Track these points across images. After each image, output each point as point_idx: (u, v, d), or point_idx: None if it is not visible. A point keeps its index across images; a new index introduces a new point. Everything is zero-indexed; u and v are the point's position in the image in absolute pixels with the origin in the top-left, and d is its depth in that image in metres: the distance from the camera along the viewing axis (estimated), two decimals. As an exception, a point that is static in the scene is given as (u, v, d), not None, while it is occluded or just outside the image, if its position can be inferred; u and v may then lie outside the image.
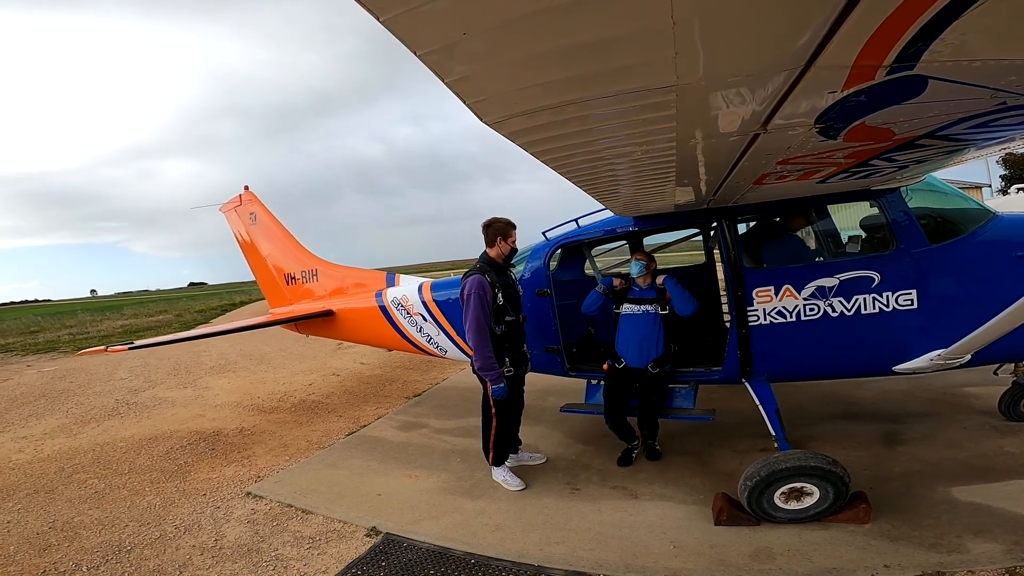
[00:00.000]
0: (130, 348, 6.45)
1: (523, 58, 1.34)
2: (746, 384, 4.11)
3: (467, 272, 4.38)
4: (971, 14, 1.19)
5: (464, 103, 1.54)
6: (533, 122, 1.75)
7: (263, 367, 10.97)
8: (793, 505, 3.40)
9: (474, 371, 4.38)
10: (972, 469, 3.88)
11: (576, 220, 5.00)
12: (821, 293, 3.87)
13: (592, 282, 5.51)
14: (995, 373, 4.81)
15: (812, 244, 4.70)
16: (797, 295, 3.92)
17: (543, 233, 5.15)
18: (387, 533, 3.82)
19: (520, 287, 4.58)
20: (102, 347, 6.54)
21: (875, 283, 3.78)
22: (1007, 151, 4.34)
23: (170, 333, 16.32)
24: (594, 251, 5.71)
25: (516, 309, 4.39)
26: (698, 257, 6.39)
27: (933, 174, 4.06)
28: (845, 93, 1.66)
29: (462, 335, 5.21)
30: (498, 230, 4.34)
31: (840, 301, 3.85)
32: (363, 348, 9.69)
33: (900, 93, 1.72)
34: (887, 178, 3.47)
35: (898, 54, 1.39)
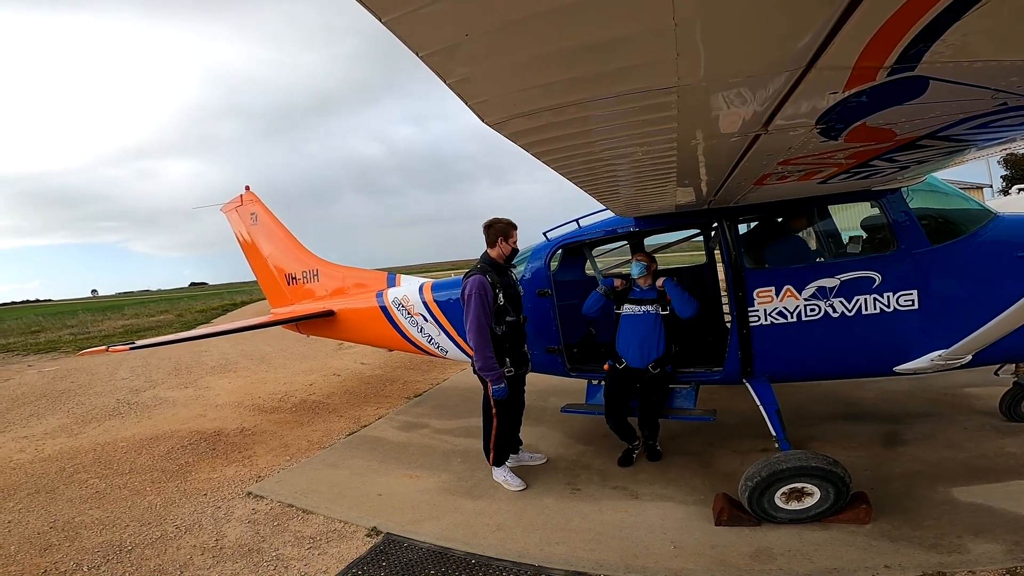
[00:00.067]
0: (131, 348, 6.46)
1: (524, 59, 1.34)
2: (747, 384, 4.11)
3: (468, 272, 4.38)
4: (972, 15, 1.19)
5: (466, 104, 1.54)
6: (534, 123, 1.76)
7: (264, 367, 10.98)
8: (794, 505, 3.40)
9: (475, 371, 4.38)
10: (973, 469, 3.88)
11: (577, 220, 5.00)
12: (822, 293, 3.87)
13: (593, 282, 5.52)
14: (996, 374, 4.81)
15: (813, 244, 4.70)
16: (798, 295, 3.91)
17: (544, 233, 5.15)
18: (388, 533, 3.82)
19: (521, 287, 4.58)
20: (103, 347, 6.55)
21: (876, 283, 3.78)
22: (1008, 151, 4.34)
23: (171, 333, 16.34)
24: (595, 251, 5.72)
25: (517, 309, 4.39)
26: (699, 257, 6.39)
27: (934, 174, 4.06)
28: (846, 94, 1.66)
29: (463, 335, 5.21)
30: (499, 231, 4.35)
31: (841, 301, 3.85)
32: (364, 348, 9.70)
33: (901, 94, 1.72)
34: (888, 178, 3.47)
35: (899, 55, 1.39)
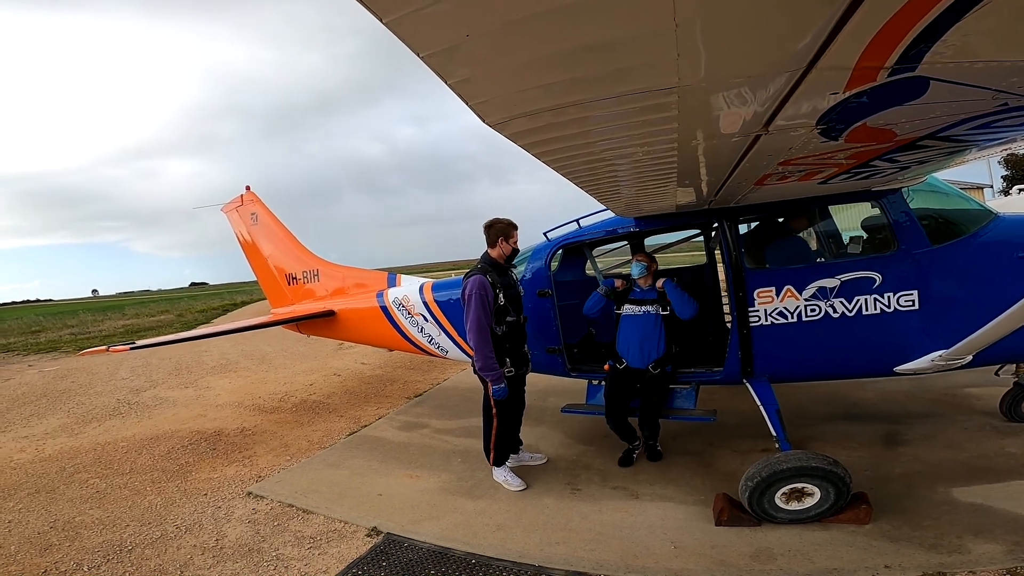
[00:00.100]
0: (132, 348, 6.46)
1: (525, 60, 1.35)
2: (747, 385, 4.11)
3: (468, 272, 4.38)
4: (974, 15, 1.19)
5: (466, 104, 1.54)
6: (535, 123, 1.76)
7: (264, 367, 10.98)
8: (794, 506, 3.40)
9: (475, 371, 4.38)
10: (973, 470, 3.88)
11: (577, 221, 5.00)
12: (822, 294, 3.87)
13: (593, 283, 5.52)
14: (996, 374, 4.82)
15: (813, 245, 4.70)
16: (798, 296, 3.91)
17: (544, 234, 5.15)
18: (388, 533, 3.83)
19: (521, 287, 4.58)
20: (104, 347, 6.55)
21: (876, 284, 3.78)
22: (1008, 152, 4.34)
23: (171, 333, 16.34)
24: (595, 251, 5.72)
25: (517, 309, 4.39)
26: (699, 258, 6.39)
27: (935, 175, 4.06)
28: (847, 94, 1.66)
29: (463, 335, 5.21)
30: (499, 231, 4.35)
31: (841, 302, 3.85)
32: (364, 348, 9.70)
33: (902, 94, 1.72)
34: (889, 179, 3.47)
35: (900, 55, 1.39)
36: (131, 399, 8.94)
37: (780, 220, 4.57)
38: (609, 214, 4.57)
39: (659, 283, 4.42)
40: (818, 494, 3.36)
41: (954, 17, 1.20)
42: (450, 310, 5.54)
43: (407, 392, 7.85)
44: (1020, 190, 21.70)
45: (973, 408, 4.99)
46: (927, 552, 3.03)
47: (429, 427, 6.16)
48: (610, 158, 2.35)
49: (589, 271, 5.76)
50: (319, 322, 6.86)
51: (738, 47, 1.35)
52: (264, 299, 8.76)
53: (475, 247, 4.67)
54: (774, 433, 3.70)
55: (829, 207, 4.37)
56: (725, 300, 4.82)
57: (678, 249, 7.05)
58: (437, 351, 5.83)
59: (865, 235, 4.35)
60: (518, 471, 4.53)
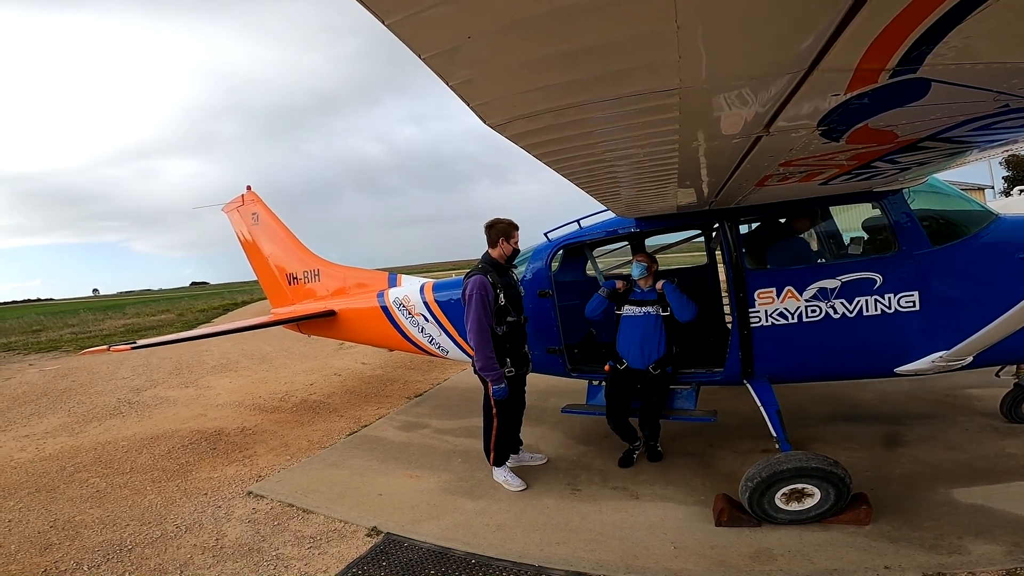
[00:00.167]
0: (133, 348, 6.46)
1: (527, 62, 1.35)
2: (747, 385, 4.11)
3: (469, 272, 4.39)
4: (975, 17, 1.19)
5: (468, 106, 1.54)
6: (536, 125, 1.76)
7: (265, 367, 10.99)
8: (794, 506, 3.40)
9: (475, 371, 4.38)
10: (973, 471, 3.88)
11: (578, 221, 5.00)
12: (823, 295, 3.87)
13: (594, 283, 5.51)
14: (997, 375, 4.82)
15: (814, 245, 4.70)
16: (799, 296, 3.91)
17: (545, 234, 5.15)
18: (388, 533, 3.83)
19: (522, 288, 4.59)
20: (105, 347, 6.56)
21: (877, 285, 3.78)
22: (1010, 153, 4.34)
23: (172, 332, 16.33)
24: (596, 252, 5.71)
25: (518, 310, 4.39)
26: (700, 258, 6.39)
27: (936, 176, 4.05)
28: (848, 96, 1.66)
29: (463, 335, 5.21)
30: (500, 231, 4.35)
31: (842, 303, 3.85)
32: (364, 348, 9.70)
33: (903, 96, 1.72)
34: (890, 180, 3.47)
35: (902, 57, 1.39)
36: (132, 398, 8.95)
37: (781, 221, 4.57)
38: (610, 214, 4.57)
39: (658, 285, 4.42)
40: (818, 495, 3.36)
41: (956, 19, 1.20)
42: (451, 310, 5.54)
43: (407, 392, 7.85)
44: (1021, 191, 21.67)
45: (973, 409, 4.99)
46: (927, 553, 3.03)
47: (429, 427, 6.16)
48: (611, 159, 2.35)
49: (590, 271, 5.76)
50: (320, 322, 6.86)
51: (739, 49, 1.35)
52: (265, 299, 8.77)
53: (475, 247, 4.66)
54: (774, 434, 3.70)
55: (830, 208, 4.37)
56: (726, 301, 4.81)
57: (679, 250, 7.05)
58: (437, 351, 5.83)
59: (866, 236, 4.35)
60: (518, 471, 4.53)
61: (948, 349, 3.60)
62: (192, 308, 35.33)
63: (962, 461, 4.04)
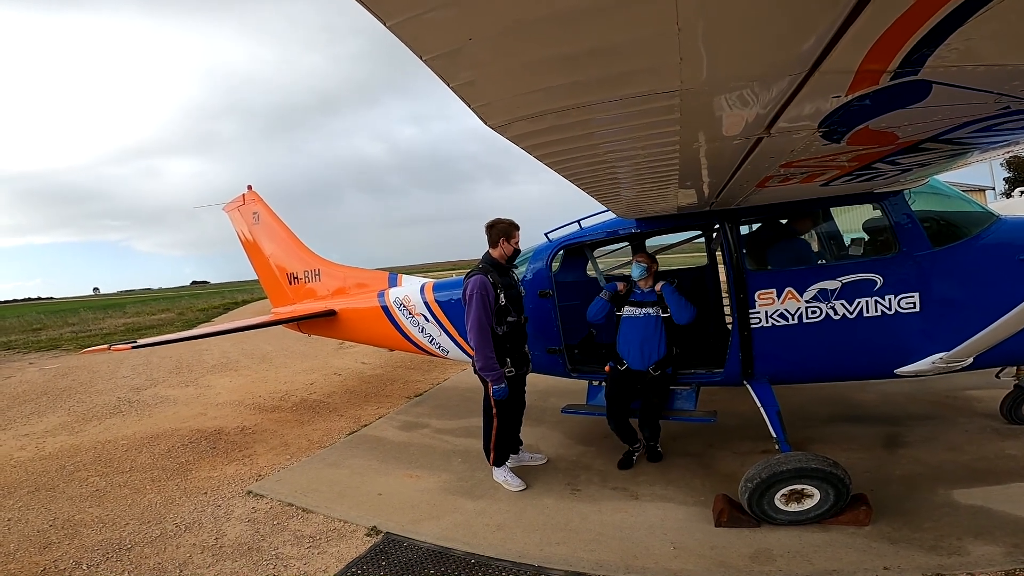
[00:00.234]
0: (134, 347, 6.46)
1: (528, 64, 1.35)
2: (747, 386, 4.11)
3: (470, 272, 4.39)
4: (977, 19, 1.19)
5: (469, 107, 1.54)
6: (537, 126, 1.76)
7: (265, 366, 10.99)
8: (794, 507, 3.40)
9: (475, 371, 4.38)
10: (973, 472, 3.88)
11: (579, 221, 5.00)
12: (823, 296, 3.87)
13: (594, 284, 5.51)
14: (997, 376, 4.82)
15: (815, 246, 4.70)
16: (799, 297, 3.91)
17: (545, 234, 5.15)
18: (387, 533, 3.83)
19: (522, 288, 4.59)
20: (106, 346, 6.56)
21: (878, 286, 3.78)
22: (1011, 154, 4.34)
23: (172, 331, 16.32)
24: (596, 252, 5.71)
25: (518, 310, 4.39)
26: (700, 259, 6.39)
27: (937, 177, 4.05)
28: (849, 97, 1.66)
29: (464, 335, 5.21)
30: (501, 231, 4.35)
31: (842, 304, 3.85)
32: (365, 348, 9.70)
33: (904, 98, 1.72)
34: (890, 181, 3.47)
35: (903, 59, 1.39)
36: (132, 397, 8.95)
37: (781, 222, 4.57)
38: (610, 215, 4.57)
39: (657, 286, 4.42)
40: (818, 495, 3.36)
41: (957, 21, 1.20)
42: (451, 310, 5.54)
43: (407, 392, 7.85)
44: (1022, 192, 21.66)
45: (974, 410, 4.99)
46: (927, 554, 3.03)
47: (429, 427, 6.16)
48: (612, 160, 2.35)
49: (590, 272, 5.76)
50: (320, 321, 6.86)
51: (740, 50, 1.35)
52: (265, 298, 8.77)
53: (476, 247, 4.66)
54: (774, 434, 3.70)
55: (831, 209, 4.37)
56: (726, 301, 4.81)
57: (679, 250, 7.04)
58: (438, 351, 5.83)
59: (867, 237, 4.35)
60: (518, 471, 4.53)
61: (948, 350, 3.60)
62: (192, 307, 35.34)
63: (962, 462, 4.04)
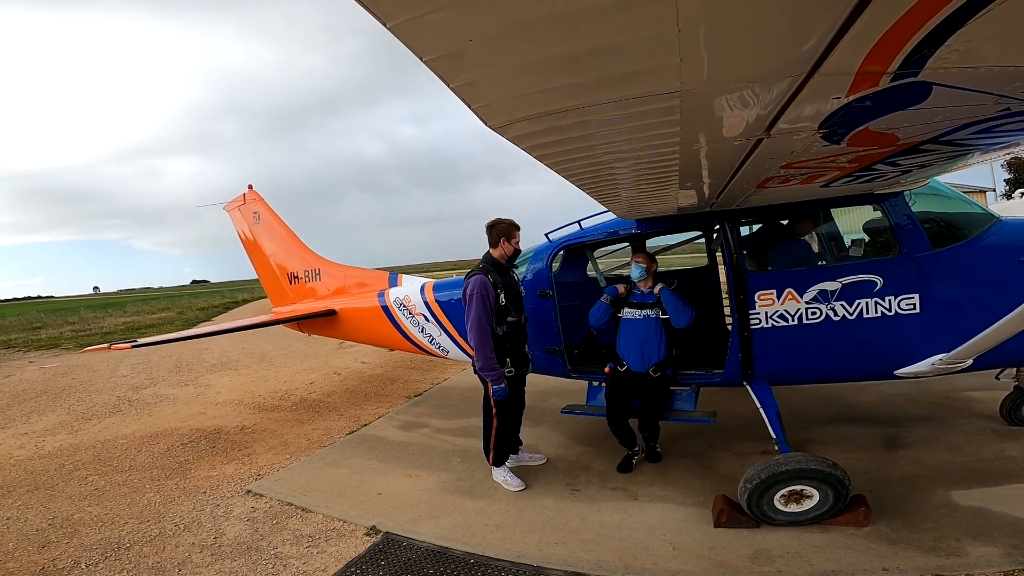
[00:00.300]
0: (134, 346, 6.46)
1: (528, 65, 1.35)
2: (747, 387, 4.11)
3: (470, 272, 4.39)
4: (977, 21, 1.19)
5: (469, 108, 1.54)
6: (537, 127, 1.76)
7: (265, 365, 10.99)
8: (793, 508, 3.40)
9: (475, 371, 4.38)
10: (972, 473, 3.88)
11: (579, 222, 5.00)
12: (823, 297, 3.87)
13: (594, 284, 5.51)
14: (997, 378, 4.81)
15: (815, 248, 4.70)
16: (799, 299, 3.91)
17: (546, 235, 5.15)
18: (387, 532, 3.83)
19: (522, 288, 4.59)
20: (106, 344, 6.56)
21: (878, 287, 3.78)
22: (1012, 155, 4.34)
23: (173, 330, 16.31)
24: (596, 253, 5.71)
25: (518, 310, 4.39)
26: (700, 260, 6.38)
27: (937, 178, 4.05)
28: (849, 99, 1.66)
29: (464, 335, 5.21)
30: (502, 231, 4.35)
31: (842, 305, 3.85)
32: (365, 347, 9.71)
33: (904, 99, 1.72)
34: (891, 182, 3.47)
35: (903, 60, 1.39)
36: (131, 396, 8.96)
37: (782, 223, 4.57)
38: (611, 215, 4.57)
39: (656, 288, 4.41)
40: (817, 496, 3.36)
41: (958, 22, 1.20)
42: (451, 310, 5.54)
43: (407, 391, 7.86)
44: (1023, 194, 21.65)
45: (973, 412, 4.99)
46: (925, 555, 3.04)
47: (429, 427, 6.16)
48: (612, 161, 2.35)
49: (590, 272, 5.76)
50: (320, 321, 6.87)
51: (741, 51, 1.35)
52: (265, 297, 8.77)
53: (476, 247, 4.67)
54: (774, 435, 3.70)
55: (831, 210, 4.37)
56: (726, 302, 4.81)
57: (679, 251, 7.04)
58: (438, 351, 5.83)
59: (867, 238, 4.35)
60: (517, 471, 4.53)
61: (948, 352, 3.60)
62: (192, 306, 35.34)
63: (961, 463, 4.04)
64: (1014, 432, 4.45)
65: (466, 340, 4.89)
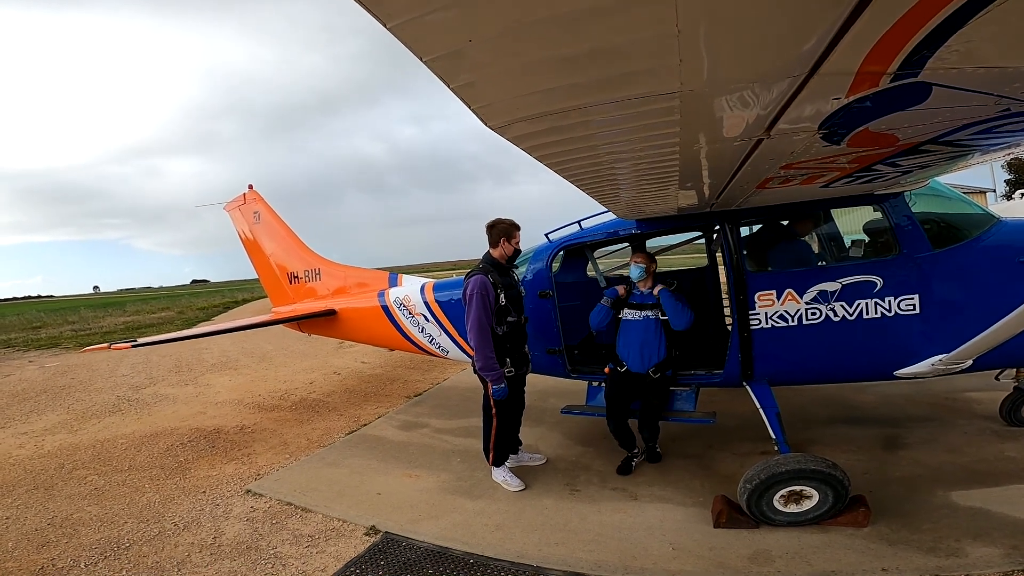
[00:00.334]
0: (134, 346, 6.46)
1: (528, 65, 1.35)
2: (747, 387, 4.11)
3: (470, 272, 4.39)
4: (978, 21, 1.19)
5: (469, 108, 1.54)
6: (537, 127, 1.76)
7: (264, 365, 10.99)
8: (792, 508, 3.40)
9: (475, 371, 4.38)
10: (972, 473, 3.88)
11: (579, 222, 5.00)
12: (823, 297, 3.87)
13: (594, 284, 5.51)
14: (997, 378, 4.81)
15: (815, 248, 4.70)
16: (799, 299, 3.91)
17: (546, 235, 5.15)
18: (386, 532, 3.83)
19: (522, 288, 4.59)
20: (106, 344, 6.56)
21: (877, 288, 3.78)
22: (1012, 156, 4.34)
23: (172, 330, 16.31)
24: (596, 253, 5.71)
25: (518, 310, 4.39)
26: (700, 260, 6.38)
27: (937, 179, 4.05)
28: (849, 99, 1.66)
29: (464, 335, 5.21)
30: (502, 231, 4.35)
31: (842, 305, 3.85)
32: (364, 347, 9.71)
33: (904, 100, 1.72)
34: (891, 183, 3.47)
35: (903, 61, 1.39)
36: (131, 396, 8.96)
37: (782, 223, 4.57)
38: (611, 216, 4.57)
39: (656, 290, 4.41)
40: (816, 497, 3.36)
41: (958, 23, 1.20)
42: (451, 310, 5.54)
43: (407, 391, 7.86)
44: (1023, 195, 21.65)
45: (973, 412, 4.99)
46: (925, 555, 3.03)
47: (429, 427, 6.16)
48: (612, 162, 2.35)
49: (590, 272, 5.76)
50: (320, 321, 6.87)
51: (740, 52, 1.35)
52: (265, 297, 8.77)
53: (476, 247, 4.67)
54: (773, 436, 3.70)
55: (831, 210, 4.37)
56: (726, 303, 4.81)
57: (679, 251, 7.04)
58: (437, 351, 5.83)
59: (867, 239, 4.35)
60: (517, 471, 4.53)
61: (948, 352, 3.60)
62: (192, 306, 35.35)
63: (961, 464, 4.04)
64: (1014, 433, 4.45)
65: (466, 340, 4.90)
